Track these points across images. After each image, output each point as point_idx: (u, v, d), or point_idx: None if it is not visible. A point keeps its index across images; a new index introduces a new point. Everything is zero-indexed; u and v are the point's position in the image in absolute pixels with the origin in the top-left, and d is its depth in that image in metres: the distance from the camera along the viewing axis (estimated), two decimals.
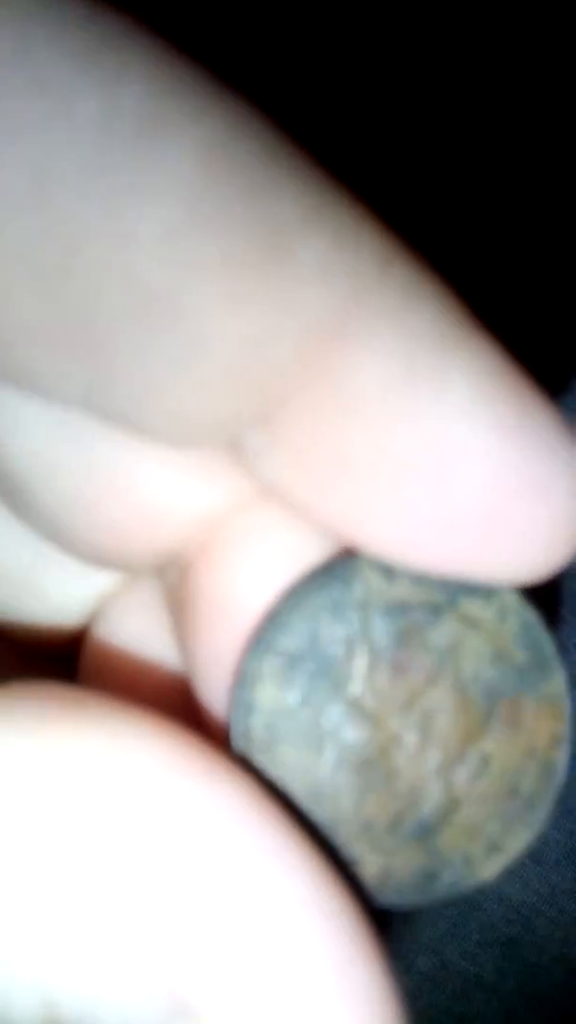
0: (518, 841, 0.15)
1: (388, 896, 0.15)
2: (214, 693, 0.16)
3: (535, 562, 0.14)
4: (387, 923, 0.14)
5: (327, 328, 0.13)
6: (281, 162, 0.12)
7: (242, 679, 0.15)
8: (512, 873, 0.33)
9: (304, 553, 0.16)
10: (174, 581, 0.17)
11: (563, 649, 0.16)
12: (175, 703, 0.16)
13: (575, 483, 0.14)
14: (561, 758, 0.15)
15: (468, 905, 0.32)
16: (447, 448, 0.13)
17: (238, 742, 0.15)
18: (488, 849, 0.15)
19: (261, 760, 0.15)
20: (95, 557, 0.18)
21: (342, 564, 0.15)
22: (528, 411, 0.13)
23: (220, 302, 0.12)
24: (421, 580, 0.15)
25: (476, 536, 0.14)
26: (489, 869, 0.15)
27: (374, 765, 0.15)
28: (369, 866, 0.15)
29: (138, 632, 0.19)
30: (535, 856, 0.33)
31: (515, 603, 0.15)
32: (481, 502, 0.13)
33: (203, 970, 0.11)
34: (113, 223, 0.12)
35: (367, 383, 0.13)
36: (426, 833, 0.15)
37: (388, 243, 0.13)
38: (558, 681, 0.15)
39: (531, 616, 0.16)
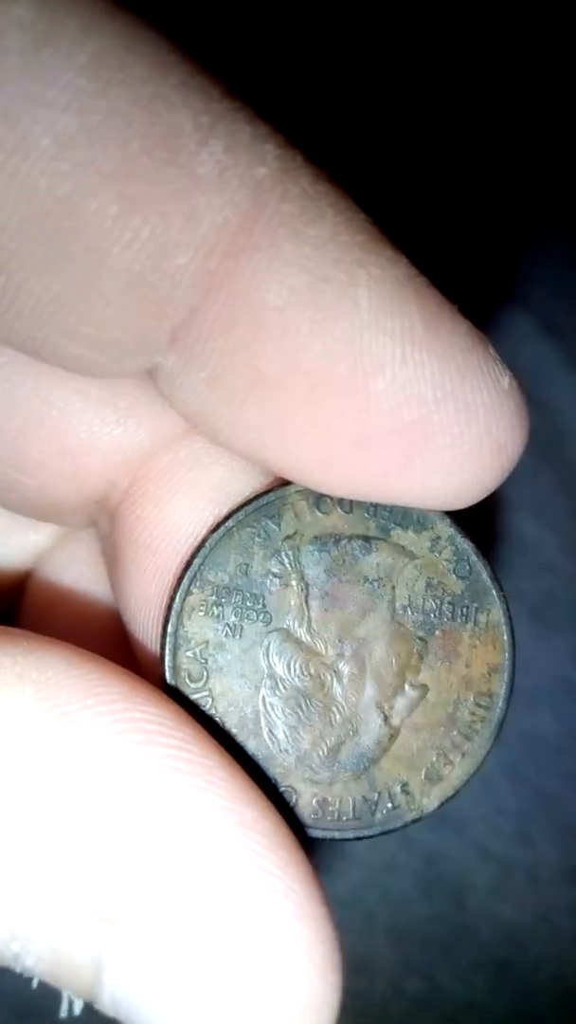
0: (458, 771, 0.15)
1: (326, 828, 0.15)
2: (146, 632, 0.16)
3: (461, 483, 0.14)
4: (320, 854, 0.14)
5: (228, 237, 0.13)
6: (174, 73, 0.12)
7: (172, 613, 0.15)
8: (505, 893, 0.32)
9: (230, 488, 0.16)
10: (106, 529, 0.17)
11: (500, 581, 0.15)
12: (112, 648, 0.16)
13: (496, 397, 0.13)
14: (499, 688, 0.15)
15: (460, 927, 0.31)
16: (359, 360, 0.13)
17: (170, 675, 0.15)
18: (428, 780, 0.15)
19: (193, 693, 0.15)
20: (23, 503, 0.17)
21: (272, 497, 0.15)
22: (441, 322, 0.13)
23: (118, 209, 0.12)
24: (352, 511, 0.15)
25: (397, 452, 0.13)
26: (430, 800, 0.15)
27: (309, 697, 0.15)
28: (306, 797, 0.15)
29: (74, 583, 0.19)
30: (529, 875, 0.32)
31: (449, 532, 0.15)
32: (398, 415, 0.13)
33: (131, 895, 0.11)
34: (8, 132, 0.12)
35: (273, 294, 0.13)
36: (364, 764, 0.15)
37: (290, 154, 0.13)
38: (496, 611, 0.15)
39: (466, 545, 0.15)
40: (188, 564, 0.15)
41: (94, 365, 0.14)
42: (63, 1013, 0.12)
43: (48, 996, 0.28)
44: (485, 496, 0.14)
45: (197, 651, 0.15)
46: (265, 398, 0.13)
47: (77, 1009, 0.12)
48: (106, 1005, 0.12)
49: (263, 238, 0.13)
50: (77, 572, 0.19)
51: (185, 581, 0.15)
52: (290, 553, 0.15)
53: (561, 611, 0.36)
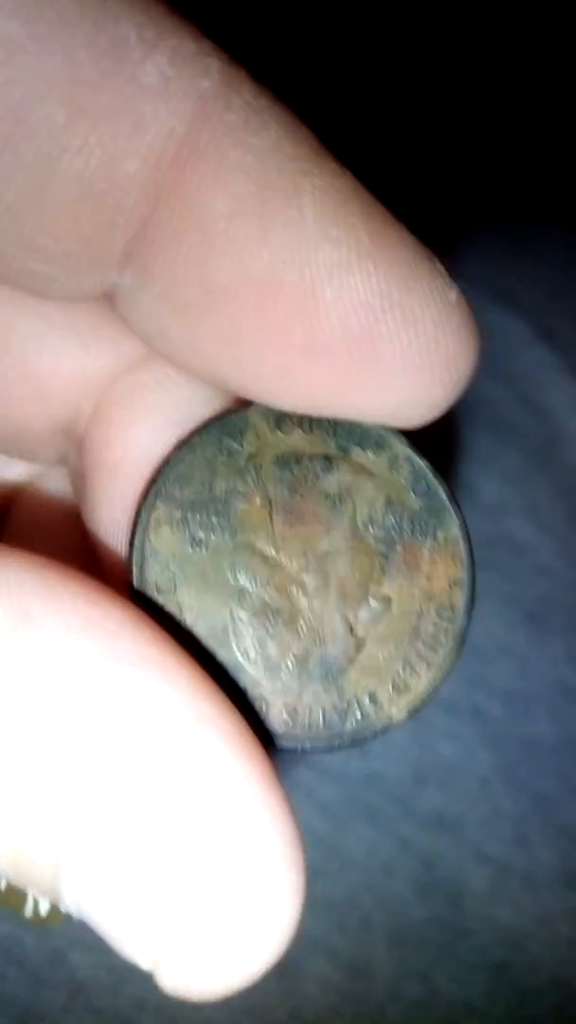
0: (424, 682, 0.16)
1: (296, 737, 0.15)
2: (115, 551, 0.17)
3: (413, 395, 0.14)
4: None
5: (174, 146, 0.13)
6: None
7: (139, 528, 0.15)
8: (503, 896, 0.32)
9: (191, 410, 0.16)
10: (75, 463, 0.18)
11: (457, 499, 0.16)
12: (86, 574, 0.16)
13: (444, 309, 0.14)
14: (460, 601, 0.16)
15: (457, 930, 0.31)
16: (305, 269, 0.13)
17: (139, 587, 0.15)
18: (395, 690, 0.16)
19: (162, 605, 0.15)
20: None
21: (235, 416, 0.16)
22: (387, 234, 0.13)
23: (66, 117, 0.12)
24: (313, 431, 0.16)
25: (346, 363, 0.14)
26: (399, 710, 0.16)
27: (275, 608, 0.15)
28: (276, 707, 0.15)
29: (47, 516, 0.19)
30: (526, 878, 0.32)
31: (406, 452, 0.16)
32: (345, 324, 0.13)
33: (88, 793, 0.11)
34: None
35: (219, 203, 0.13)
36: (331, 673, 0.15)
37: (233, 68, 0.13)
38: (454, 527, 0.16)
39: (423, 464, 0.16)
40: (153, 481, 0.15)
41: (52, 282, 0.14)
42: (28, 913, 0.11)
43: (46, 1000, 0.28)
44: (439, 414, 0.15)
45: (164, 563, 0.15)
46: (216, 310, 0.14)
47: (43, 909, 0.11)
48: (68, 906, 0.12)
49: (208, 147, 0.13)
50: (48, 506, 0.19)
51: (150, 497, 0.15)
52: (253, 471, 0.16)
53: (558, 615, 0.36)
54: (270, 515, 0.16)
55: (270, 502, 0.16)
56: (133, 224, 0.13)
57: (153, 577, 0.15)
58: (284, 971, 0.29)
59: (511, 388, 0.40)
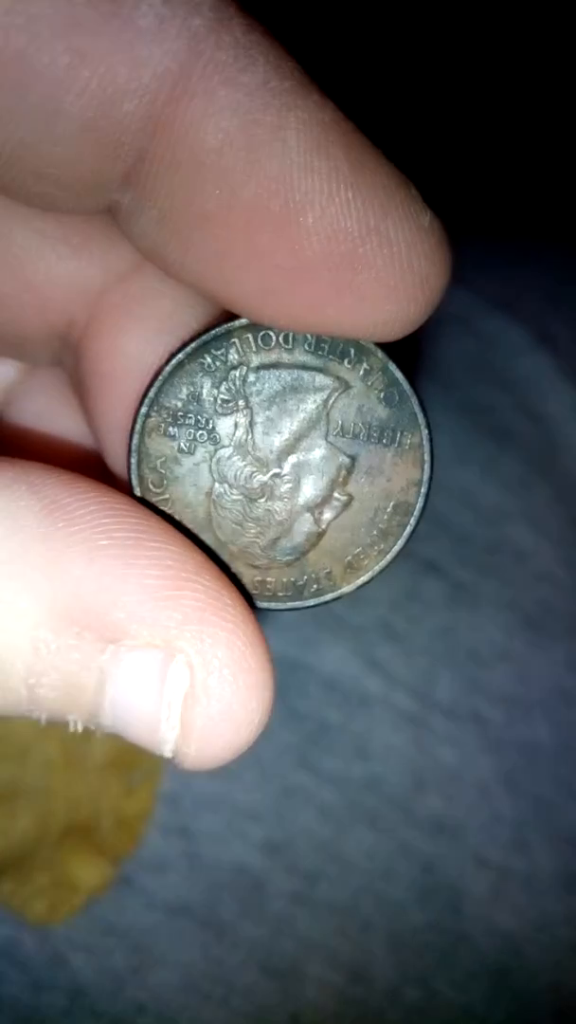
0: (373, 564, 0.18)
1: (265, 601, 0.18)
2: (116, 451, 0.19)
3: (388, 313, 0.15)
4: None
5: (168, 84, 0.14)
6: None
7: (135, 434, 0.17)
8: (502, 900, 0.32)
9: (178, 319, 0.18)
10: (71, 365, 0.19)
11: (425, 409, 0.17)
12: (83, 469, 0.18)
13: (417, 233, 0.15)
14: (414, 499, 0.18)
15: (457, 935, 0.31)
16: (289, 196, 0.14)
17: (135, 486, 0.18)
18: (347, 568, 0.18)
19: (156, 500, 0.18)
20: None
21: (219, 331, 0.17)
22: (365, 163, 0.15)
23: (69, 60, 0.13)
24: (292, 346, 0.17)
25: (327, 283, 0.15)
26: (348, 585, 0.18)
27: (251, 502, 0.18)
28: (248, 577, 0.18)
29: (47, 413, 0.21)
30: (526, 882, 0.33)
31: (381, 362, 0.17)
32: (326, 248, 0.15)
33: (125, 617, 0.14)
34: None
35: (209, 135, 0.14)
36: (296, 555, 0.18)
37: (223, 4, 0.14)
38: (418, 435, 0.17)
39: (396, 375, 0.17)
40: (146, 391, 0.17)
41: (60, 201, 0.15)
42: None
43: (47, 1003, 0.29)
44: (413, 328, 0.16)
45: (157, 464, 0.18)
46: (207, 234, 0.15)
47: (79, 728, 0.15)
48: (105, 720, 0.15)
49: (199, 85, 0.14)
50: (44, 401, 0.21)
51: (143, 407, 0.17)
52: (236, 382, 0.17)
53: (557, 621, 0.36)
54: (250, 422, 0.17)
55: (251, 410, 0.17)
56: (132, 155, 0.15)
57: (148, 476, 0.18)
58: (284, 974, 0.30)
59: (511, 395, 0.40)
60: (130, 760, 0.30)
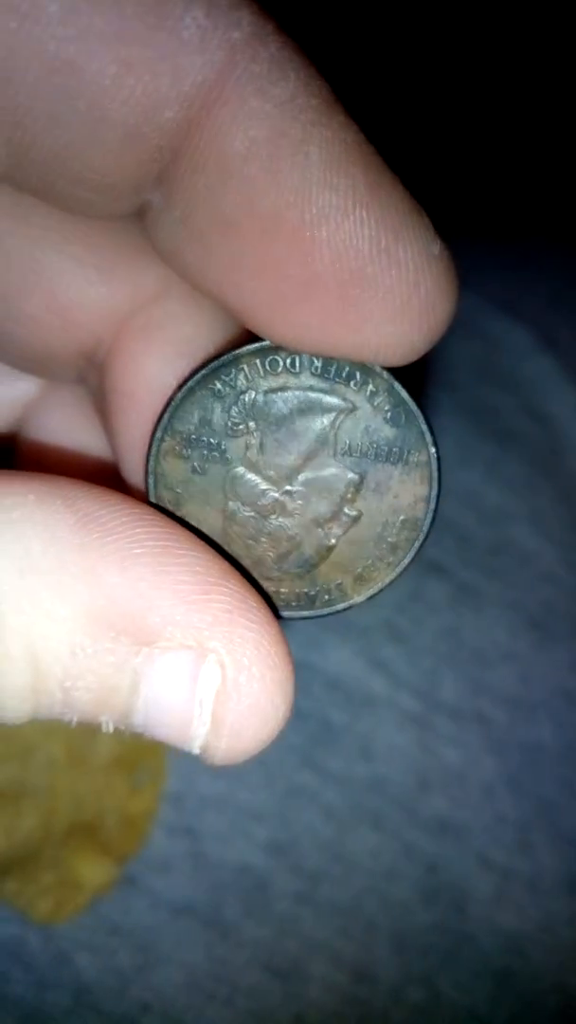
0: (383, 576, 0.19)
1: (279, 610, 0.19)
2: (134, 469, 0.19)
3: (393, 335, 0.16)
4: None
5: (205, 93, 0.14)
6: None
7: (151, 456, 0.18)
8: (506, 901, 0.32)
9: (196, 344, 0.19)
10: (95, 383, 0.20)
11: (432, 428, 0.18)
12: (102, 479, 0.18)
13: (426, 259, 0.15)
14: (422, 514, 0.18)
15: (461, 936, 0.31)
16: (306, 210, 0.15)
17: (154, 502, 0.18)
18: (356, 580, 0.19)
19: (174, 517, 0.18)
20: (20, 356, 0.20)
21: (227, 358, 0.18)
22: (382, 185, 0.15)
23: (116, 70, 0.14)
24: (299, 371, 0.18)
25: (335, 299, 0.15)
26: (359, 596, 0.19)
27: (263, 519, 0.18)
28: (262, 589, 0.18)
29: (66, 428, 0.22)
30: (530, 883, 0.33)
31: (386, 385, 0.18)
32: (336, 264, 0.15)
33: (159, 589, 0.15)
34: (20, 3, 0.14)
35: (237, 141, 0.15)
36: (307, 568, 0.19)
37: (262, 20, 0.15)
38: (425, 452, 0.18)
39: (402, 395, 0.18)
40: (160, 416, 0.18)
41: (95, 206, 0.16)
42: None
43: (51, 1002, 0.29)
44: (418, 355, 0.16)
45: (172, 483, 0.18)
46: (225, 238, 0.15)
47: (110, 729, 0.15)
48: (137, 719, 0.15)
49: (232, 94, 0.14)
50: (66, 418, 0.22)
51: (158, 431, 0.18)
52: (245, 406, 0.18)
53: (561, 622, 0.36)
54: (260, 445, 0.18)
55: (260, 432, 0.18)
56: (167, 157, 0.15)
57: (164, 495, 0.18)
58: (288, 974, 0.30)
59: (515, 396, 0.40)
60: (135, 760, 0.30)
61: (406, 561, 0.18)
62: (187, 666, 0.15)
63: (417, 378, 0.41)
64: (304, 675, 0.33)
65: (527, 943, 0.32)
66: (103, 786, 0.30)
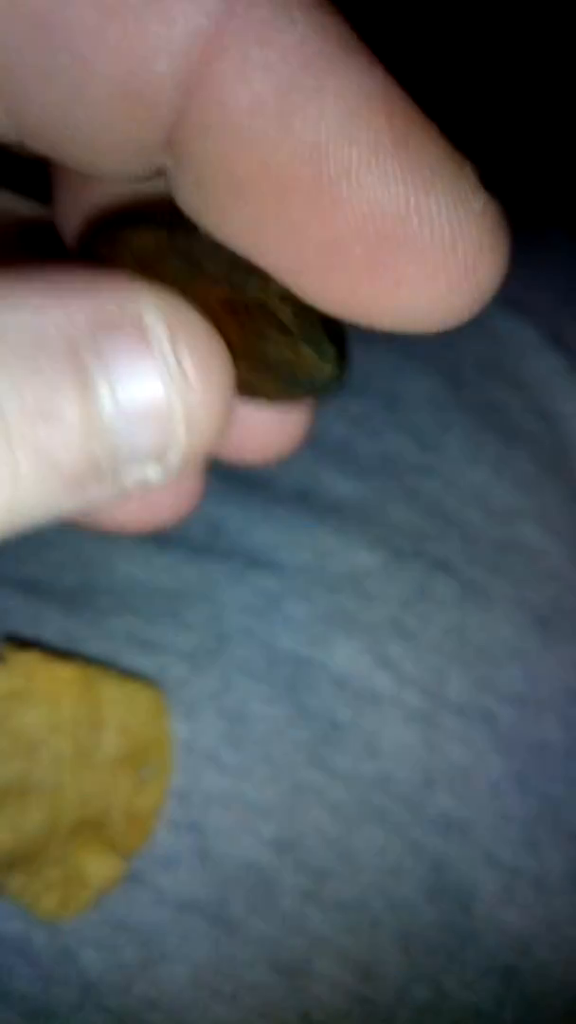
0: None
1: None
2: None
3: (429, 301, 0.14)
4: None
5: (201, 43, 0.13)
6: None
7: None
8: (512, 900, 0.32)
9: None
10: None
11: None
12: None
13: (464, 216, 0.13)
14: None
15: (466, 934, 0.31)
16: (323, 166, 0.13)
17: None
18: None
19: None
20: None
21: None
22: (411, 135, 0.13)
23: (97, 19, 0.13)
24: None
25: (362, 261, 0.14)
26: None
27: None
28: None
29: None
30: (536, 882, 0.32)
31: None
32: (360, 224, 0.13)
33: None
34: None
35: (241, 97, 0.13)
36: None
37: None
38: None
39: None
40: None
41: (104, 167, 0.15)
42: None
43: (57, 998, 0.29)
44: (460, 321, 0.15)
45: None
46: (241, 201, 0.14)
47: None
48: (116, 422, 0.14)
49: (232, 42, 0.13)
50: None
51: None
52: None
53: (568, 620, 0.36)
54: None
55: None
56: (171, 116, 0.14)
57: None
58: (293, 971, 0.30)
59: (521, 394, 0.40)
60: (141, 755, 0.30)
61: None
62: (139, 340, 0.14)
63: (423, 375, 0.41)
64: (309, 672, 0.33)
65: (533, 941, 0.32)
66: (109, 782, 0.30)
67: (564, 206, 0.45)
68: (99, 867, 0.29)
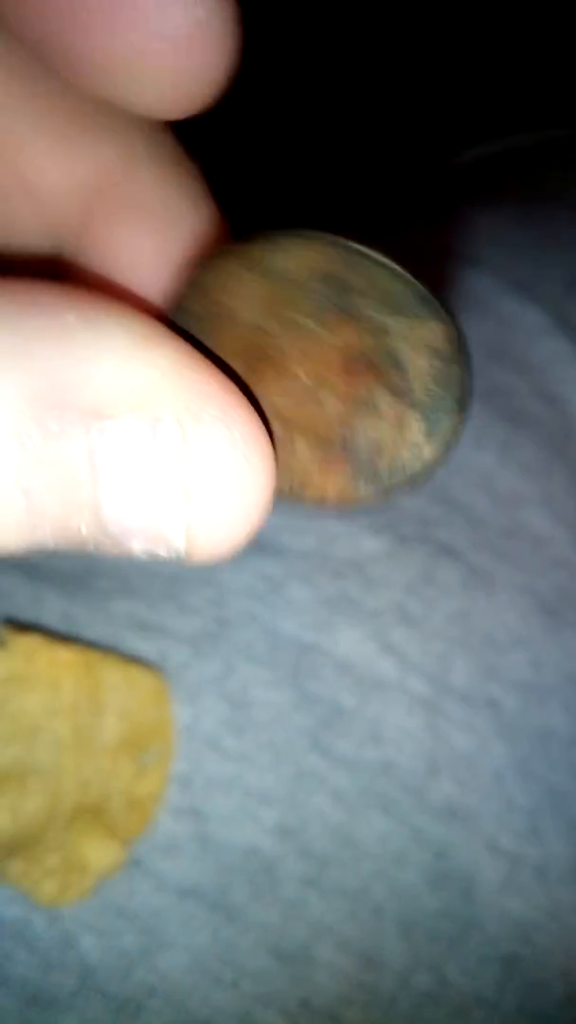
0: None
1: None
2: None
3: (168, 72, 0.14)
4: None
5: None
6: None
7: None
8: (514, 888, 0.32)
9: (175, 221, 0.17)
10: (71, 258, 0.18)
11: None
12: None
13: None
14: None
15: (468, 921, 0.31)
16: None
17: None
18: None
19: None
20: None
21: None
22: None
23: None
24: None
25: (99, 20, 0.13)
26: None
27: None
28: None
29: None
30: (538, 870, 0.32)
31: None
32: None
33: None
34: None
35: None
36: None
37: None
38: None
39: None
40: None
41: None
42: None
43: (56, 984, 0.28)
44: (200, 105, 0.15)
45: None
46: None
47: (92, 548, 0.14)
48: (111, 517, 0.14)
49: None
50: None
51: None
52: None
53: (573, 607, 0.36)
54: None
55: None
56: None
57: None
58: (295, 958, 0.29)
59: (528, 378, 0.39)
60: (142, 740, 0.30)
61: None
62: (143, 434, 0.13)
63: None
64: (313, 658, 0.32)
65: (535, 929, 0.32)
66: (109, 767, 0.30)
67: (571, 191, 0.45)
68: (99, 853, 0.29)
